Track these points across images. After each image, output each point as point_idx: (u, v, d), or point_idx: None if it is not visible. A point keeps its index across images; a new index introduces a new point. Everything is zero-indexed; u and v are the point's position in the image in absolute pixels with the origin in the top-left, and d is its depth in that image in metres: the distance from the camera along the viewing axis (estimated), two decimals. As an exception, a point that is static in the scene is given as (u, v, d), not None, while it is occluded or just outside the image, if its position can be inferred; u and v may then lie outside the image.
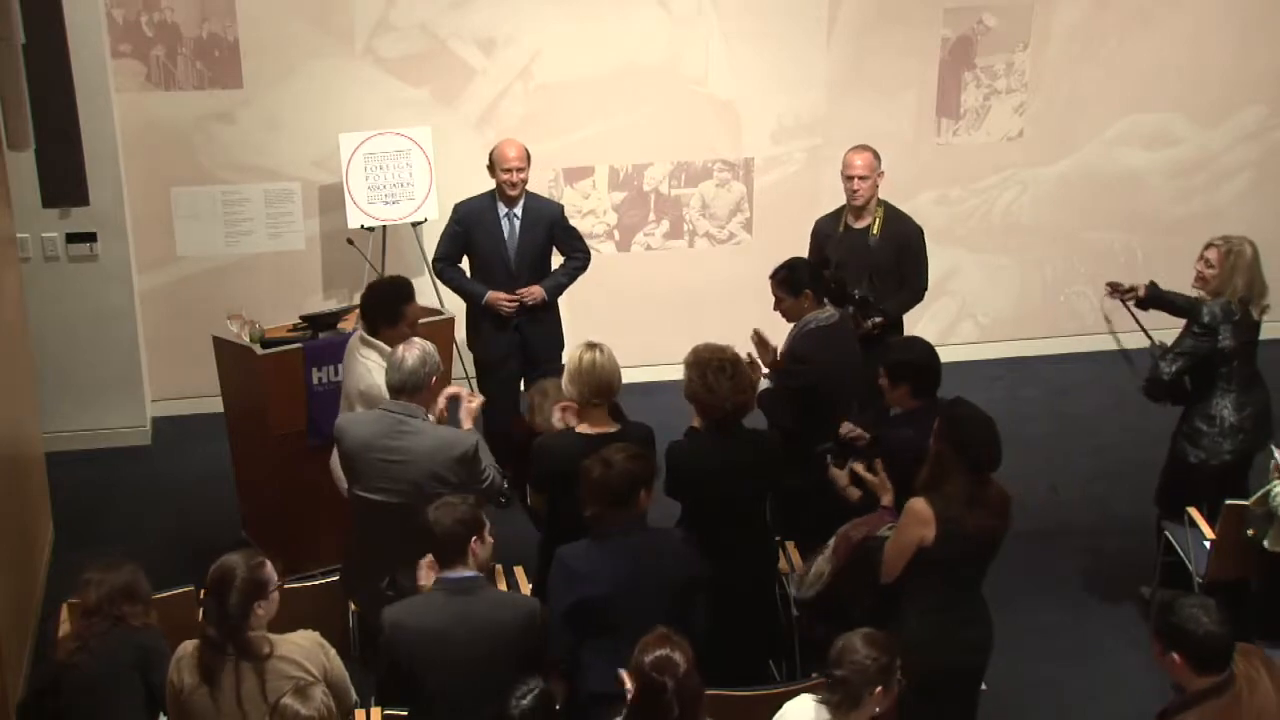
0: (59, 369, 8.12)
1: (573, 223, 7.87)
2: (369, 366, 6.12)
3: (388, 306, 6.29)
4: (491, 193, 7.58)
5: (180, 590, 5.88)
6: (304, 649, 4.77)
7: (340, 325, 7.10)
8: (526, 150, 7.55)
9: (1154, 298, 6.99)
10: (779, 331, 6.62)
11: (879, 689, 4.46)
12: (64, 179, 8.06)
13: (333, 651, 4.86)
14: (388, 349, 6.01)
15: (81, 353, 8.18)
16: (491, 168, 7.54)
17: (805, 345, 6.49)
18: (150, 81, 8.36)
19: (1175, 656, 4.46)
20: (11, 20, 6.62)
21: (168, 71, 8.37)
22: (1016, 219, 9.59)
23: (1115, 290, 7.05)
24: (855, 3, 8.95)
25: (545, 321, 7.58)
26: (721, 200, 9.20)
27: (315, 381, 6.95)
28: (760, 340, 6.54)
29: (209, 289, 8.59)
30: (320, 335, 7.02)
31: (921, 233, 7.49)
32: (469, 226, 7.56)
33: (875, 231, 7.32)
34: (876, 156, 7.36)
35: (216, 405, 7.64)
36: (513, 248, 7.52)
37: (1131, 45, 9.32)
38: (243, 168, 8.60)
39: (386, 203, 8.40)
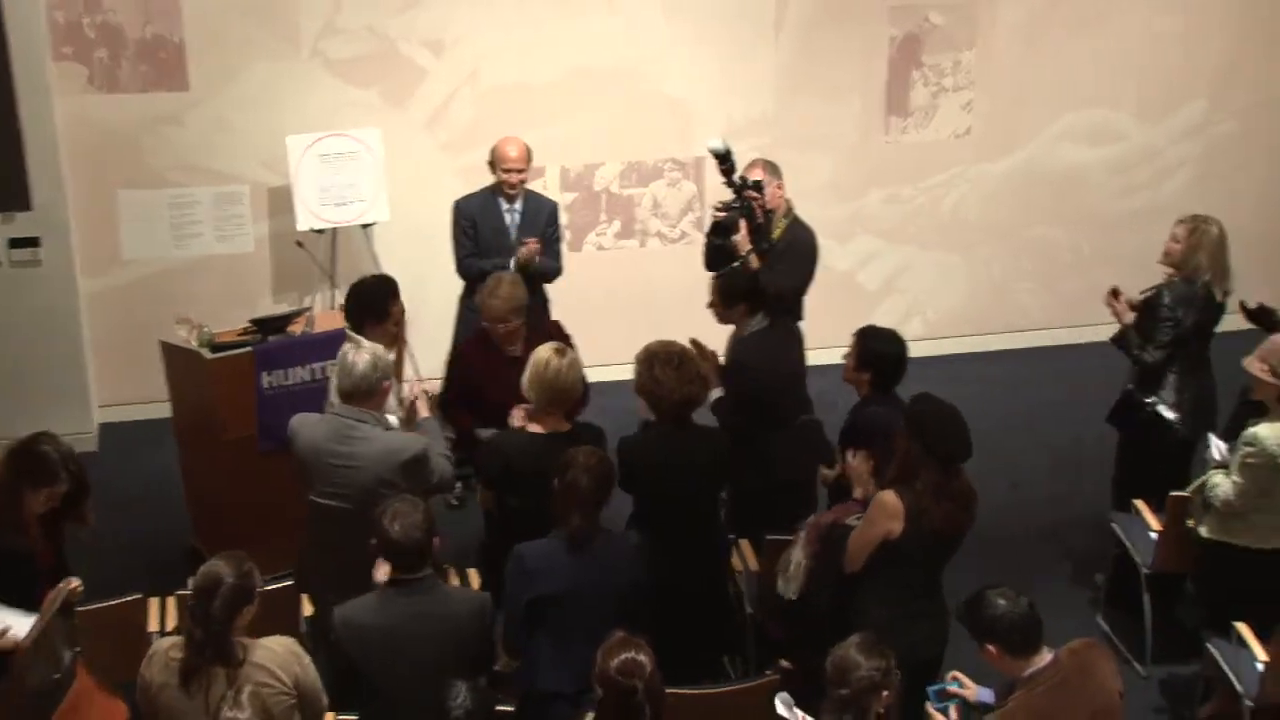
0: (2, 375, 8.02)
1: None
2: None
3: (375, 303, 6.32)
4: (491, 189, 7.60)
5: (130, 598, 5.86)
6: (278, 656, 4.78)
7: (290, 329, 7.07)
8: (528, 149, 7.57)
9: (1117, 340, 6.95)
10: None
11: (884, 694, 4.51)
12: (4, 183, 7.97)
13: (306, 659, 4.86)
14: (376, 348, 6.03)
15: (26, 358, 8.10)
16: (492, 165, 7.56)
17: (744, 352, 6.49)
18: (93, 84, 8.28)
19: (990, 647, 4.64)
20: (-50, 24, 6.60)
21: (111, 74, 8.29)
22: (964, 216, 9.66)
23: (1116, 297, 6.99)
24: (802, 2, 8.98)
25: (538, 311, 7.51)
26: (673, 200, 9.21)
27: (266, 386, 6.91)
28: (698, 348, 6.44)
29: (156, 293, 8.52)
30: (270, 339, 6.99)
31: (809, 243, 7.23)
32: (475, 222, 7.57)
33: (777, 239, 7.11)
34: (767, 169, 7.19)
35: (165, 411, 7.55)
36: (515, 241, 7.51)
37: (1076, 42, 9.40)
38: (190, 170, 8.54)
39: (336, 205, 8.35)
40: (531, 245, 7.38)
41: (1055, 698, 4.60)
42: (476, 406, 6.43)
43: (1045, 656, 4.71)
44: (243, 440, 6.90)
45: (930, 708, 4.85)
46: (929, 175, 9.52)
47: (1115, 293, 6.94)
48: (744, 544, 6.55)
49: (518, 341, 6.43)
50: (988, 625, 4.66)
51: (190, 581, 6.45)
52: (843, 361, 6.20)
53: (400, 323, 6.39)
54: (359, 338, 6.13)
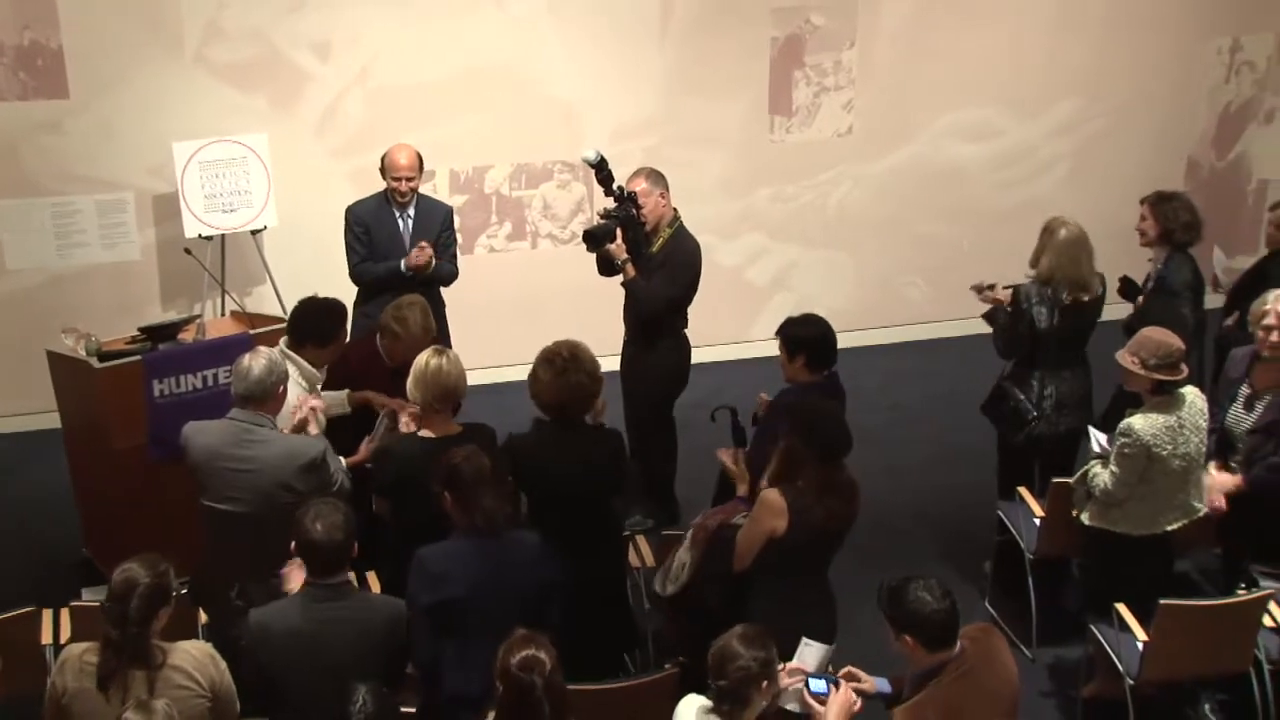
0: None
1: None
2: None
3: (322, 327, 6.33)
4: (383, 194, 7.59)
5: (21, 611, 5.78)
6: (195, 659, 4.76)
7: (181, 336, 7.01)
8: (419, 156, 7.56)
9: (989, 316, 7.08)
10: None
11: (765, 684, 4.52)
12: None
13: (223, 664, 4.83)
14: (309, 368, 6.17)
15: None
16: (383, 172, 7.55)
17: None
18: (-30, 93, 8.17)
19: (907, 638, 4.66)
20: None
21: (-11, 81, 8.19)
22: (849, 213, 9.78)
23: (981, 291, 7.10)
24: (686, 5, 9.05)
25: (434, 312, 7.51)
26: (562, 201, 9.25)
27: (157, 394, 6.83)
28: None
29: (42, 302, 8.42)
30: (160, 347, 6.91)
31: (690, 254, 7.27)
32: (368, 227, 7.54)
33: (655, 250, 7.19)
34: (650, 179, 7.20)
35: (53, 421, 7.47)
36: (409, 246, 7.50)
37: (954, 42, 9.54)
38: (73, 178, 8.44)
39: (224, 211, 8.30)
40: (424, 250, 7.39)
41: (963, 687, 4.62)
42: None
43: (954, 649, 4.74)
44: (133, 449, 6.81)
45: (806, 696, 4.82)
46: (814, 173, 9.63)
47: (978, 288, 7.08)
48: (640, 539, 6.61)
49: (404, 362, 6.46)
50: (909, 618, 4.65)
51: (85, 592, 6.43)
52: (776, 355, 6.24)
53: (339, 351, 6.43)
54: (297, 356, 6.18)
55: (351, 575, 5.23)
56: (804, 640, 4.95)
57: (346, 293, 7.56)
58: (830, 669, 5.02)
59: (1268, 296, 6.30)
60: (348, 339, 6.62)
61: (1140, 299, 7.17)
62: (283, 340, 6.33)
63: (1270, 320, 6.18)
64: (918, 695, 4.65)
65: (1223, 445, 6.41)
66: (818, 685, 4.76)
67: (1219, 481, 6.26)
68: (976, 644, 4.74)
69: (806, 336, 6.12)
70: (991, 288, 7.05)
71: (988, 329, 7.07)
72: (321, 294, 6.56)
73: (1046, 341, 6.82)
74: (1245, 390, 6.39)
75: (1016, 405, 6.85)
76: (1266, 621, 6.04)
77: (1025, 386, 6.91)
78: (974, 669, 4.64)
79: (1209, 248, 7.78)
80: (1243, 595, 6.04)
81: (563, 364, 5.70)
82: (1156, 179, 8.72)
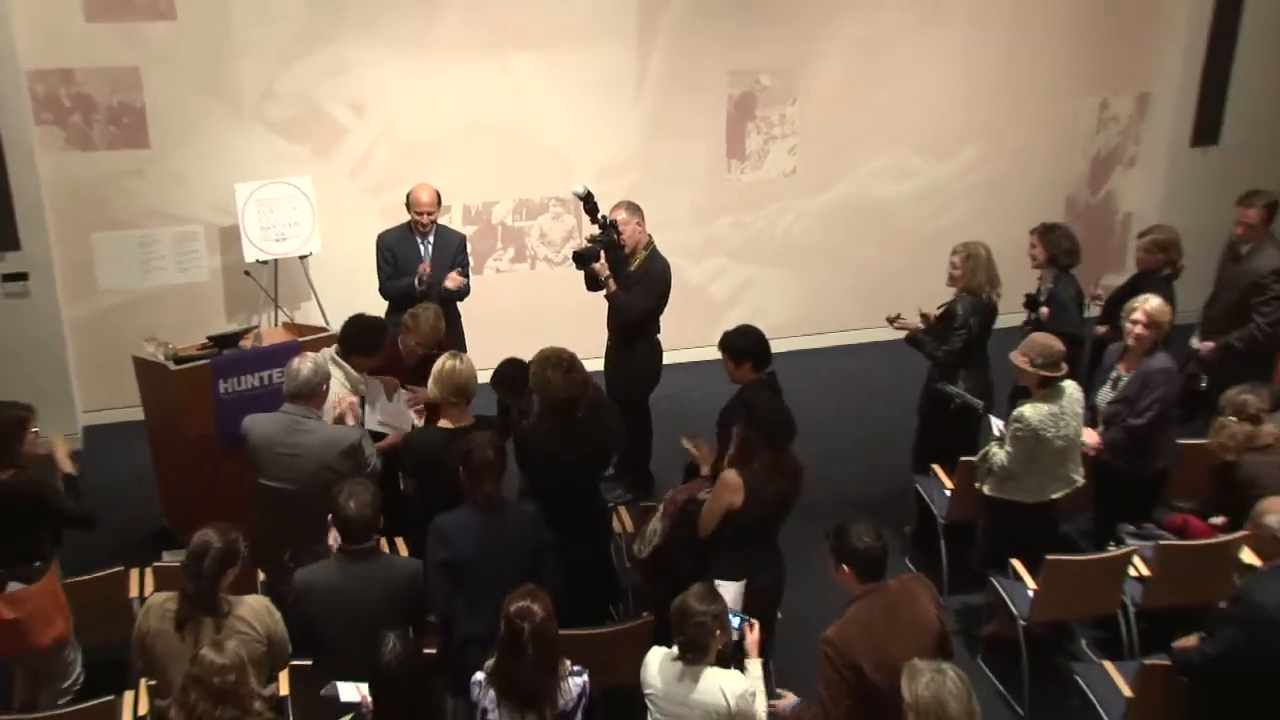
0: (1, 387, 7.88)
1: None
2: (331, 385, 6.00)
3: (369, 341, 6.30)
4: (407, 224, 7.56)
5: (112, 570, 5.81)
6: (255, 610, 4.80)
7: (242, 343, 7.01)
8: (437, 193, 7.55)
9: (911, 340, 7.12)
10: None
11: (719, 632, 4.54)
12: (-3, 228, 7.85)
13: (277, 614, 4.87)
14: (353, 373, 6.19)
15: (19, 373, 7.93)
16: (407, 206, 7.53)
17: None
18: (70, 144, 8.14)
19: (844, 568, 4.65)
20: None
21: (85, 135, 8.16)
22: (793, 239, 9.77)
23: (893, 321, 7.14)
24: (658, 67, 9.04)
25: (453, 322, 7.52)
26: (556, 230, 9.24)
27: (222, 391, 6.85)
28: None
29: (128, 317, 8.40)
30: (225, 352, 6.92)
31: (661, 272, 7.26)
32: (394, 252, 7.52)
33: (633, 269, 7.20)
34: (629, 209, 7.19)
35: (138, 414, 7.47)
36: (428, 268, 7.48)
37: (877, 99, 9.53)
38: (153, 214, 8.42)
39: (277, 240, 8.29)
40: (425, 267, 7.38)
41: (882, 610, 4.60)
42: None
43: (882, 581, 4.69)
44: (203, 438, 6.83)
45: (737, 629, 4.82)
46: (764, 206, 9.62)
47: (891, 320, 7.09)
48: (621, 510, 6.63)
49: (418, 356, 6.51)
50: (848, 552, 4.62)
51: (165, 555, 6.44)
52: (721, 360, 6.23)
53: (381, 363, 6.41)
54: (344, 363, 6.18)
55: (383, 541, 5.26)
56: (717, 581, 4.96)
57: (377, 305, 7.60)
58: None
59: (1137, 299, 6.46)
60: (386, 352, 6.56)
61: (1041, 309, 7.21)
62: (334, 348, 6.31)
63: (1137, 316, 6.35)
64: (846, 613, 4.63)
65: (1094, 418, 6.51)
66: (734, 620, 4.78)
67: (1087, 437, 6.36)
68: (904, 584, 4.73)
69: (749, 345, 6.14)
70: (899, 317, 7.08)
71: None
72: (356, 308, 6.58)
73: (975, 344, 6.89)
74: (1114, 375, 6.52)
75: (965, 402, 6.85)
76: (1131, 572, 6.11)
77: (959, 382, 6.93)
78: (896, 602, 4.63)
79: (1088, 269, 7.86)
80: (1113, 551, 6.12)
81: (567, 365, 5.71)
82: (1042, 212, 8.87)
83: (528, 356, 5.90)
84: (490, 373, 6.26)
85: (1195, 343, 7.71)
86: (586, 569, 5.78)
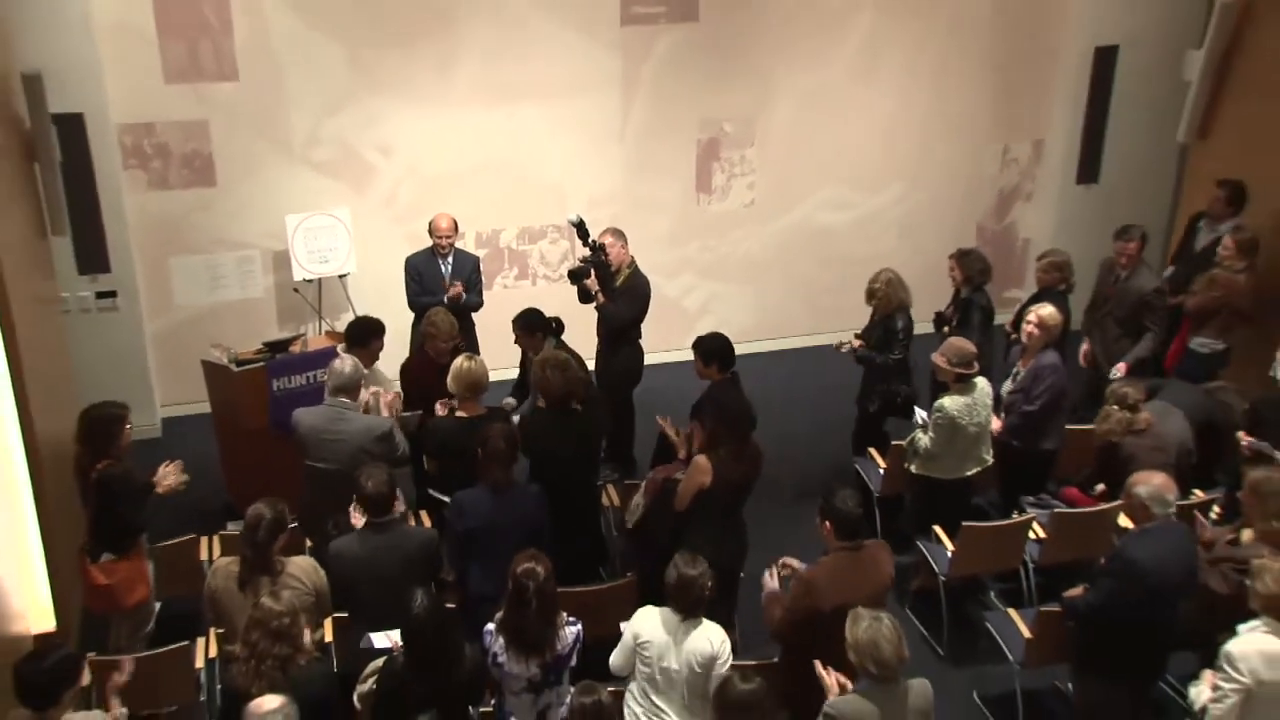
0: (92, 387, 7.74)
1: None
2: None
3: (361, 336, 6.35)
4: (430, 248, 7.53)
5: (186, 538, 5.81)
6: (303, 568, 4.84)
7: (292, 348, 6.99)
8: (455, 221, 7.52)
9: (860, 358, 7.14)
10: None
11: (709, 585, 4.55)
12: (92, 254, 7.84)
13: (322, 572, 4.90)
14: (354, 359, 6.06)
15: (108, 375, 7.88)
16: (430, 232, 7.50)
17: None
18: (151, 185, 8.12)
19: (827, 524, 4.71)
20: (50, 146, 6.65)
21: (163, 177, 8.13)
22: (753, 260, 9.74)
23: (839, 348, 7.16)
24: (638, 115, 9.02)
25: (468, 332, 7.50)
26: (553, 252, 9.21)
27: (275, 389, 6.85)
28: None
29: (198, 327, 8.36)
30: (277, 355, 6.92)
31: (642, 288, 7.24)
32: (420, 271, 7.48)
33: (619, 285, 7.19)
34: (614, 234, 7.18)
35: (205, 409, 7.46)
36: (449, 284, 7.46)
37: (820, 142, 9.50)
38: (218, 241, 8.39)
39: (320, 262, 8.26)
40: (455, 288, 7.36)
41: (849, 564, 4.67)
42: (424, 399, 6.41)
43: (855, 541, 4.75)
44: (259, 428, 6.83)
45: (766, 575, 4.85)
46: (728, 232, 9.59)
47: (837, 347, 7.10)
48: (610, 487, 6.62)
49: (446, 354, 6.45)
50: (832, 512, 4.68)
51: (229, 525, 6.43)
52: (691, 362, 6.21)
53: (375, 354, 6.40)
54: (343, 354, 6.15)
55: (407, 512, 5.26)
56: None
57: (404, 316, 7.59)
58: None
59: (1033, 306, 6.52)
60: (383, 348, 6.51)
61: (947, 328, 7.20)
62: (340, 346, 6.34)
63: (1031, 319, 6.42)
64: (822, 560, 4.72)
65: (998, 407, 6.52)
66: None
67: (993, 424, 6.37)
68: (870, 548, 4.79)
69: (716, 348, 6.13)
70: (842, 345, 7.09)
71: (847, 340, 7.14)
72: (387, 317, 6.62)
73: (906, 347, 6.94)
74: (1014, 370, 6.55)
75: (908, 396, 6.92)
76: (1031, 535, 6.15)
77: (896, 383, 6.98)
78: (862, 559, 4.70)
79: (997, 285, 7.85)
80: (1016, 519, 6.16)
81: (565, 366, 5.73)
82: (956, 238, 8.94)
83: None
84: (500, 372, 6.26)
85: (1116, 372, 7.18)
86: (579, 536, 5.77)
